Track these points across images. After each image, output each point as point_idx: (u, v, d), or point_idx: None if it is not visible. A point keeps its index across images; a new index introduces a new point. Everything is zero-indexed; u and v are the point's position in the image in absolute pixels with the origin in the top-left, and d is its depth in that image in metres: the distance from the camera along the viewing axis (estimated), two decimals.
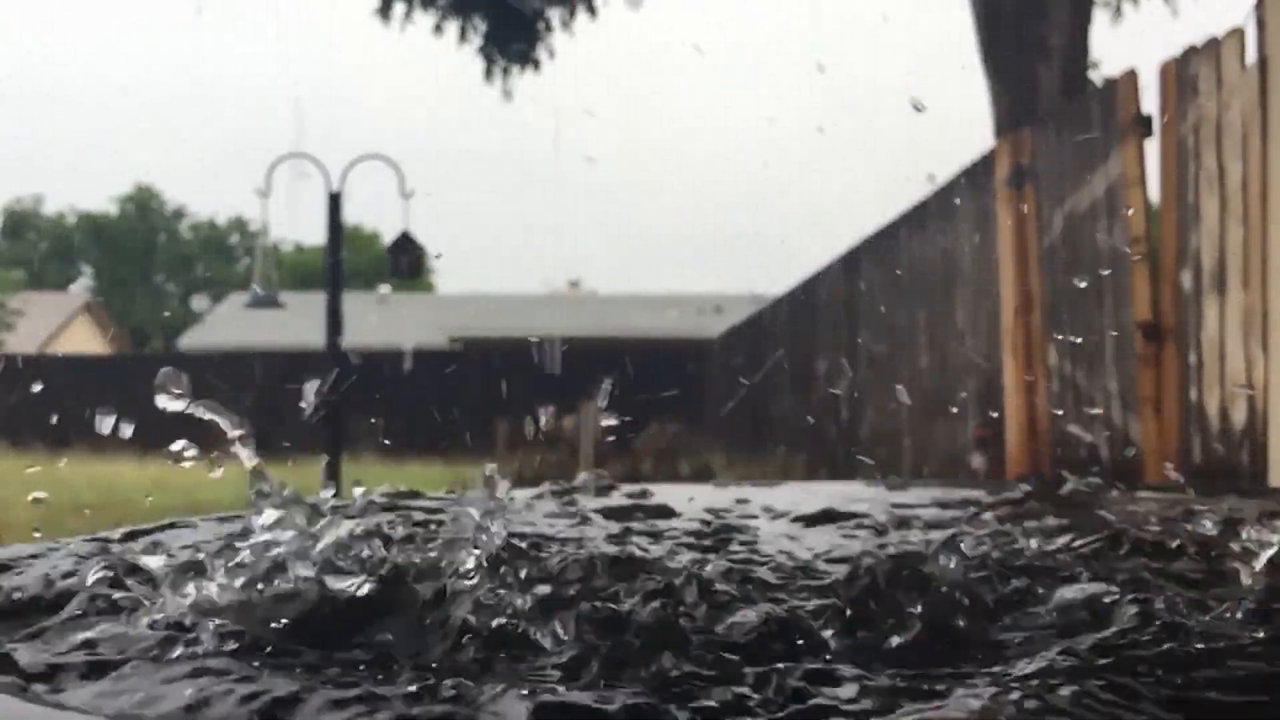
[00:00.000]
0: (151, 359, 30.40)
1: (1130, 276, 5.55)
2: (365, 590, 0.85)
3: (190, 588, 0.86)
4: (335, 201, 13.35)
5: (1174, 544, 1.12)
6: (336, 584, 0.85)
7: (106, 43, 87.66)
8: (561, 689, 0.70)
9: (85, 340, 38.33)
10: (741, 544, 1.21)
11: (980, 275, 7.45)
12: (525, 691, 0.67)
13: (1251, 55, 4.70)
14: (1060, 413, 6.31)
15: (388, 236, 16.46)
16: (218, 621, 0.81)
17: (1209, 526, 1.15)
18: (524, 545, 1.03)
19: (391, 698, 0.66)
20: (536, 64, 14.11)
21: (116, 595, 0.91)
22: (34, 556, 1.11)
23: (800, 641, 0.80)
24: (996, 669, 0.74)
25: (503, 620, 0.82)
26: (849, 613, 0.85)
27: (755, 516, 1.45)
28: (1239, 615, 0.84)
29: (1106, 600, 0.86)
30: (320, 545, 0.90)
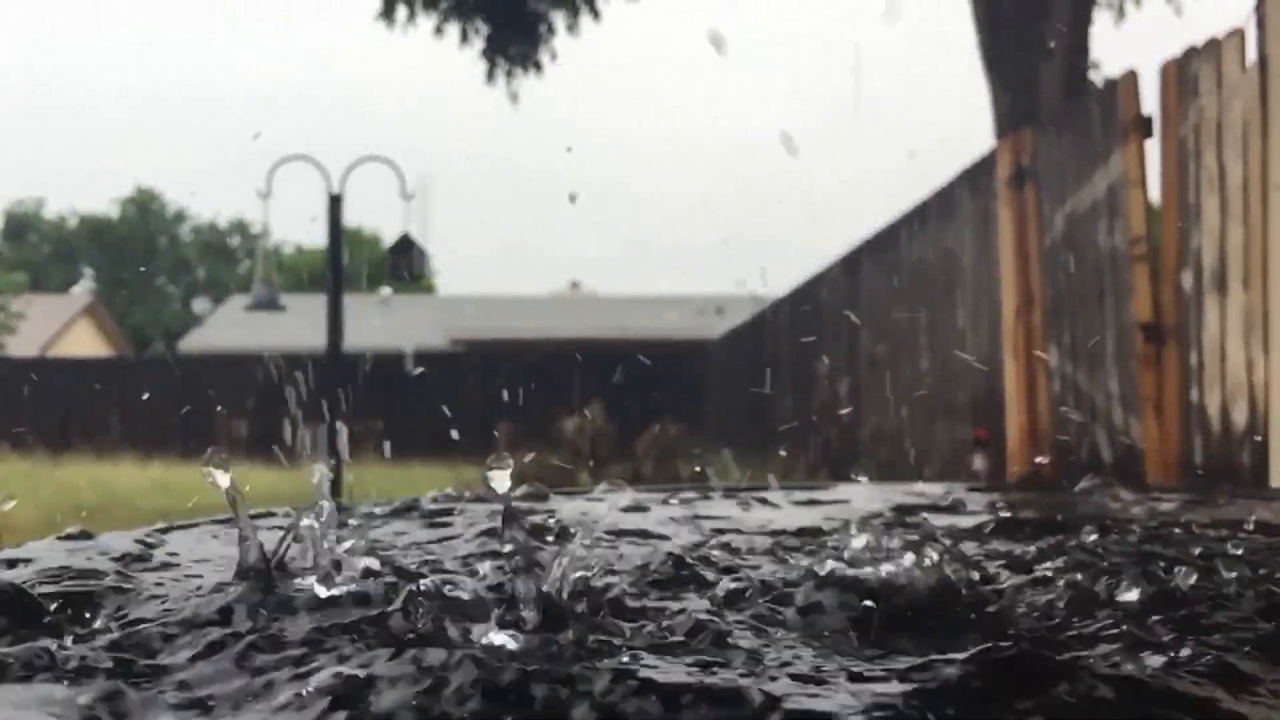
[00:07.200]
0: (152, 361, 30.44)
1: (1131, 276, 5.54)
2: None
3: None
4: (336, 203, 13.34)
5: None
6: None
7: (107, 44, 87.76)
8: None
9: (86, 342, 38.33)
10: None
11: (981, 275, 7.45)
12: None
13: (1252, 55, 4.70)
14: (1060, 413, 6.30)
15: (388, 238, 16.44)
16: None
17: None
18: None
19: None
20: (539, 66, 14.12)
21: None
22: None
23: None
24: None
25: None
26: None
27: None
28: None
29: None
30: None
